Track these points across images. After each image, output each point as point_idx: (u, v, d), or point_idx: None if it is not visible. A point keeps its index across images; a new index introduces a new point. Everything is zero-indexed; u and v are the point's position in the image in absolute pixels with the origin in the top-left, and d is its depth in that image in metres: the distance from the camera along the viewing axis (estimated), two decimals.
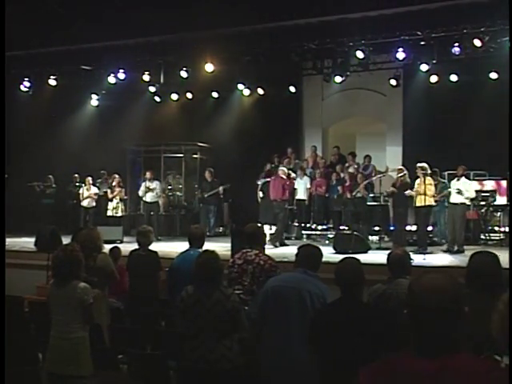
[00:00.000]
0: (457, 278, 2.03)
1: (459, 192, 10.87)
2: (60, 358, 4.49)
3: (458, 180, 11.04)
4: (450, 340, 1.90)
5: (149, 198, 14.00)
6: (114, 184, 13.93)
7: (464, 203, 10.98)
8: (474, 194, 11.19)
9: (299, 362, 4.09)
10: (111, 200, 13.84)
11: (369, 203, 12.65)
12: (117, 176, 14.08)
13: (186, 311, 4.48)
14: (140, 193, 14.18)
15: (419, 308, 1.94)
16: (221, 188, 14.19)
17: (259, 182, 13.82)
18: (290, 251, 10.72)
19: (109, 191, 13.96)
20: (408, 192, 10.82)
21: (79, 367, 4.48)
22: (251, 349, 4.52)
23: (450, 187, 11.34)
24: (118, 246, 8.26)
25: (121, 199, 13.95)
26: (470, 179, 11.45)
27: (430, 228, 11.94)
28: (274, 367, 4.20)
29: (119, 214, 13.82)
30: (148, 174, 14.13)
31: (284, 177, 12.39)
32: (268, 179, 13.09)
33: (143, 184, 14.15)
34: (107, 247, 7.46)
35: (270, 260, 5.36)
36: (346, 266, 3.82)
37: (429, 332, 1.92)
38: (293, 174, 13.19)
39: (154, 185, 14.03)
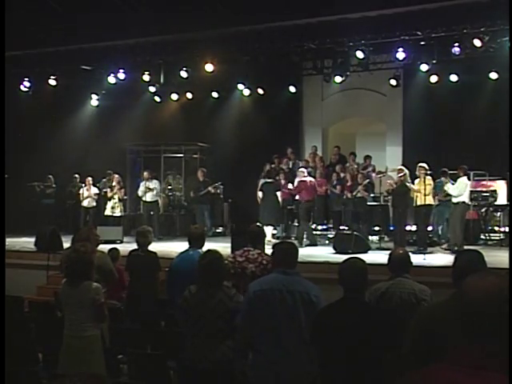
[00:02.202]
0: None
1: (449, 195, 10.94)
2: (73, 356, 4.55)
3: (461, 179, 11.03)
4: (497, 352, 1.72)
5: (148, 197, 14.01)
6: (113, 183, 13.93)
7: (464, 203, 10.97)
8: (457, 193, 10.93)
9: (291, 364, 4.04)
10: (109, 199, 13.87)
11: (369, 203, 12.65)
12: (116, 176, 14.08)
13: (188, 311, 4.48)
14: (139, 193, 14.19)
15: (479, 313, 1.74)
16: (210, 188, 14.18)
17: (260, 182, 13.81)
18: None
19: (108, 190, 13.98)
20: (409, 185, 10.82)
21: (93, 365, 4.53)
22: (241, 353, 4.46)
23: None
24: (117, 247, 8.25)
25: (119, 199, 13.95)
26: (469, 179, 11.40)
27: (429, 228, 11.94)
28: (266, 371, 4.10)
29: (117, 213, 13.82)
30: (145, 174, 14.13)
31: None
32: (269, 180, 13.08)
33: (142, 184, 14.16)
34: (106, 248, 7.46)
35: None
36: (350, 266, 3.80)
37: (482, 340, 1.73)
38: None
39: (153, 184, 14.05)
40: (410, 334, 3.17)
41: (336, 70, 13.19)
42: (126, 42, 12.85)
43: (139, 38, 12.56)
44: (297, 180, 12.72)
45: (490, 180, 12.67)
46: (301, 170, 12.73)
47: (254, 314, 4.18)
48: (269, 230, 12.69)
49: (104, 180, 14.64)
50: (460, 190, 10.88)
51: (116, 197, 13.85)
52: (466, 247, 10.61)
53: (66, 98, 15.00)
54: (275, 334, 4.10)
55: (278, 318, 4.10)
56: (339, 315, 3.63)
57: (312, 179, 12.64)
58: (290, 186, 13.02)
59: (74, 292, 4.66)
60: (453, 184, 11.48)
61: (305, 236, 12.45)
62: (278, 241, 12.66)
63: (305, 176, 12.40)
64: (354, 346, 3.49)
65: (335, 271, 3.82)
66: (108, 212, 13.86)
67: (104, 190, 14.31)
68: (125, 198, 14.85)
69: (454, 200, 11.02)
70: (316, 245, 12.20)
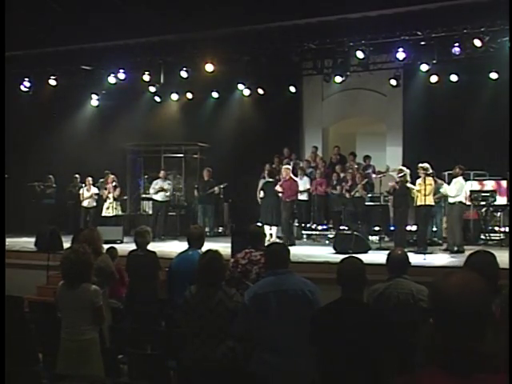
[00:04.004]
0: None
1: (447, 196, 10.86)
2: (72, 359, 4.51)
3: (456, 179, 11.00)
4: (482, 352, 1.68)
5: (160, 197, 14.05)
6: (108, 184, 13.92)
7: (461, 202, 10.94)
8: (454, 194, 10.91)
9: (290, 364, 4.05)
10: (105, 200, 13.87)
11: (368, 203, 12.65)
12: (112, 176, 14.07)
13: (188, 311, 4.48)
14: (151, 190, 14.22)
15: (450, 312, 1.69)
16: (216, 188, 14.19)
17: (260, 182, 13.81)
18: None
19: (104, 191, 13.98)
20: (410, 185, 10.80)
21: (91, 368, 4.49)
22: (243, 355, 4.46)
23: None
24: (115, 246, 8.24)
25: (115, 198, 13.93)
26: (465, 179, 11.34)
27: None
28: (266, 371, 4.09)
29: (111, 213, 13.79)
30: (162, 173, 14.23)
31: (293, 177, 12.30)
32: (270, 179, 13.04)
33: (154, 183, 14.17)
34: (106, 247, 7.45)
35: None
36: (348, 266, 3.79)
37: (459, 339, 1.68)
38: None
39: (167, 184, 14.10)
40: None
41: (336, 70, 13.19)
42: (126, 42, 12.85)
43: (139, 38, 12.56)
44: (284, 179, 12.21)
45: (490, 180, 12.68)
46: (287, 167, 12.39)
47: (252, 320, 4.19)
48: (273, 230, 12.64)
49: (101, 180, 14.65)
50: (457, 190, 10.88)
51: (111, 196, 13.84)
52: (465, 247, 10.63)
53: (66, 98, 14.99)
54: (273, 336, 4.11)
55: (274, 320, 4.11)
56: (337, 315, 3.63)
57: (295, 178, 12.37)
58: (277, 188, 12.64)
59: (72, 294, 4.59)
60: (440, 184, 11.44)
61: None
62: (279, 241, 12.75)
63: (290, 174, 12.18)
64: (352, 346, 3.48)
65: (335, 271, 3.82)
66: (104, 213, 13.85)
67: (103, 191, 14.32)
68: (125, 197, 14.83)
69: (451, 200, 10.99)
70: (294, 244, 11.97)
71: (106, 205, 13.87)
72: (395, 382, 1.82)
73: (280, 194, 12.19)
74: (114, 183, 14.01)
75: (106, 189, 13.95)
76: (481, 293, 1.72)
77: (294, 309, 4.10)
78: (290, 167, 12.55)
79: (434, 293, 1.77)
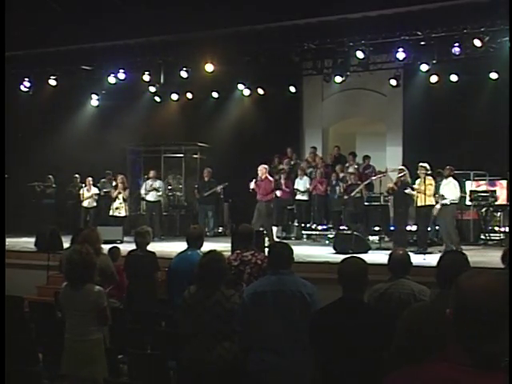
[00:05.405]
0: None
1: (442, 197, 10.82)
2: (76, 360, 4.49)
3: (447, 180, 10.98)
4: (496, 352, 1.71)
5: (151, 197, 14.01)
6: (118, 183, 13.89)
7: (452, 203, 10.90)
8: (456, 196, 10.86)
9: (288, 364, 4.05)
10: (114, 200, 13.83)
11: (368, 203, 12.64)
12: (120, 176, 14.04)
13: (187, 311, 4.48)
14: (142, 191, 14.19)
15: (473, 312, 1.72)
16: (219, 187, 14.19)
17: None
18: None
19: (112, 191, 13.95)
20: (408, 190, 10.80)
21: (96, 369, 4.49)
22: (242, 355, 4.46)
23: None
24: (117, 246, 8.25)
25: (124, 199, 13.91)
26: (457, 180, 11.27)
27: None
28: (264, 371, 4.10)
29: (122, 213, 13.78)
30: (151, 173, 14.15)
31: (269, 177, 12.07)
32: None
33: (145, 183, 14.15)
34: (106, 247, 7.46)
35: (266, 259, 5.33)
36: (349, 266, 3.78)
37: (478, 339, 1.71)
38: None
39: (157, 184, 14.06)
40: (397, 335, 3.18)
41: (336, 70, 13.19)
42: (126, 42, 12.85)
43: (139, 38, 12.57)
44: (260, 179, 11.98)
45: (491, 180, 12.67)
46: (263, 166, 12.12)
47: (250, 317, 4.20)
48: (274, 230, 12.59)
49: (103, 180, 14.63)
50: (450, 190, 10.85)
51: (120, 197, 13.79)
52: (465, 247, 10.60)
53: (66, 98, 14.99)
54: (271, 336, 4.11)
55: (272, 320, 4.11)
56: (338, 315, 3.62)
57: (271, 178, 12.18)
58: (252, 185, 12.35)
59: (76, 295, 4.57)
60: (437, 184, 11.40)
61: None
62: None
63: (267, 174, 12.00)
64: (352, 347, 3.48)
65: (335, 271, 3.81)
66: (113, 212, 13.79)
67: (104, 190, 14.29)
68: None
69: (444, 201, 10.92)
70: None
71: (115, 204, 13.74)
72: (405, 372, 1.82)
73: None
74: (123, 183, 13.94)
75: (115, 188, 13.89)
76: (505, 296, 1.73)
77: (292, 309, 4.11)
78: (267, 167, 12.31)
79: (458, 291, 1.77)
